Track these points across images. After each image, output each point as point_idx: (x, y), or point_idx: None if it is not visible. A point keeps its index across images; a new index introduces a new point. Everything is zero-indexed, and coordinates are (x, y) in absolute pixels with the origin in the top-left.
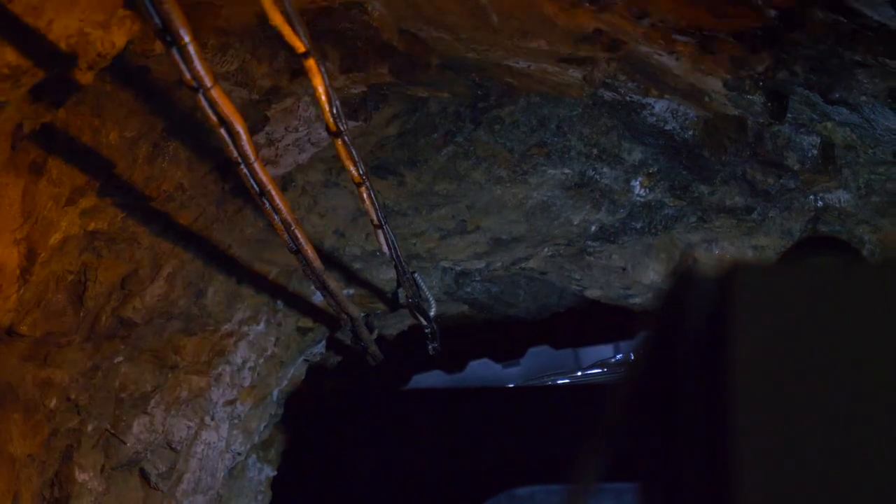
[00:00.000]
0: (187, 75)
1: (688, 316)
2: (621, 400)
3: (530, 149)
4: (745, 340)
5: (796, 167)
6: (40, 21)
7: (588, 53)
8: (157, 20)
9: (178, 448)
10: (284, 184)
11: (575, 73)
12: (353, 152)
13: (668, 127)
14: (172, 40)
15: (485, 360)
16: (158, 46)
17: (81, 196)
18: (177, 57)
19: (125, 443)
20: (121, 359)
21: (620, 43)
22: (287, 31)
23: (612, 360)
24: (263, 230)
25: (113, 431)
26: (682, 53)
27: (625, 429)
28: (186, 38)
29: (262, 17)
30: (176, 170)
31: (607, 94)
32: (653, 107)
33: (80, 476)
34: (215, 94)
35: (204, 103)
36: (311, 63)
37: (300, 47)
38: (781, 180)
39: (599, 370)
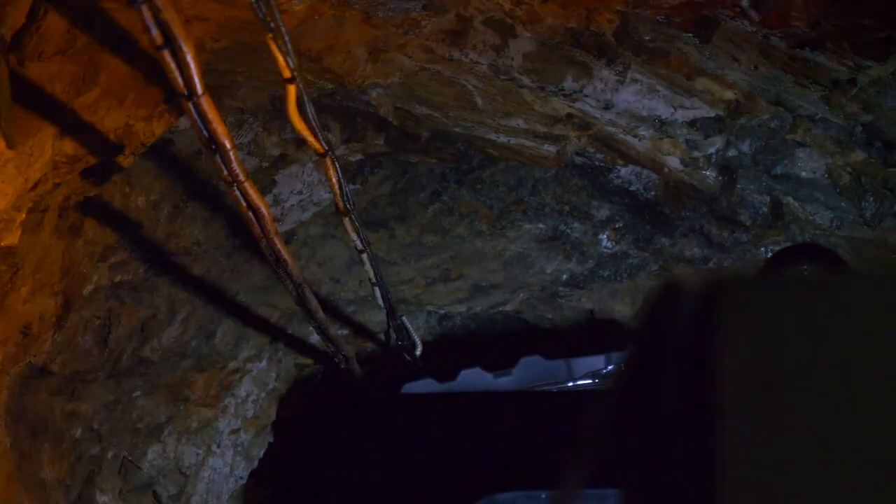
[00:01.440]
0: (225, 173)
1: (673, 327)
2: (606, 409)
3: (508, 206)
4: (730, 351)
5: (748, 223)
6: (95, 117)
7: (561, 133)
8: (205, 133)
9: (188, 473)
10: (288, 237)
11: (549, 148)
12: (359, 226)
13: (632, 188)
14: (217, 149)
15: (476, 370)
16: (183, 123)
17: (112, 254)
18: (219, 161)
19: (141, 468)
20: (139, 393)
21: (590, 124)
22: (310, 139)
23: (604, 370)
24: (268, 278)
25: (130, 458)
26: (643, 137)
27: (610, 437)
28: (228, 146)
29: (274, 98)
30: (193, 227)
31: (578, 159)
32: (619, 171)
33: (101, 498)
34: (247, 186)
35: (237, 194)
36: (327, 161)
37: (320, 149)
38: (735, 234)
39: (591, 381)
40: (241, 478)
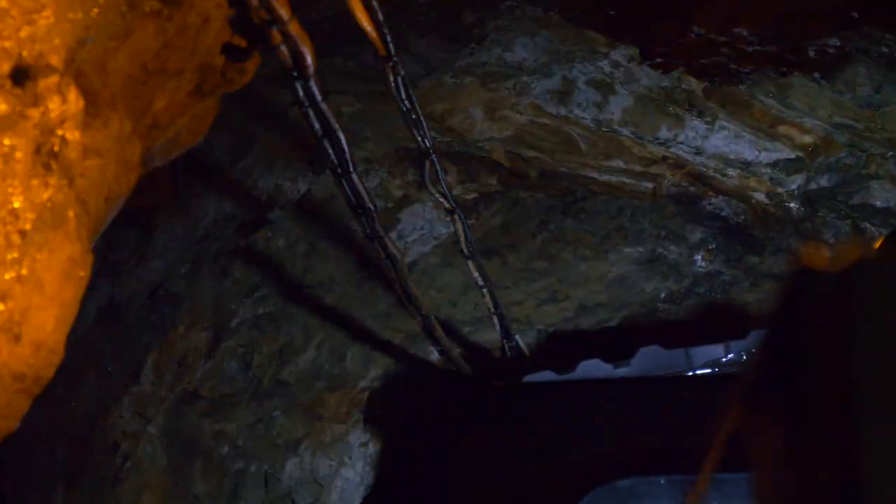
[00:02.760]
0: (367, 230)
1: (808, 312)
2: (740, 395)
3: (609, 232)
4: (868, 334)
5: (832, 241)
6: (250, 180)
7: (658, 171)
8: (352, 199)
9: (323, 483)
10: (410, 267)
11: (646, 184)
12: (482, 267)
13: (723, 213)
14: (362, 212)
15: (595, 361)
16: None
17: (256, 290)
18: (363, 221)
19: (281, 480)
20: (278, 412)
21: (683, 164)
22: (441, 199)
23: (723, 359)
24: (391, 305)
25: (271, 471)
26: (731, 176)
27: (742, 423)
28: (371, 209)
29: (399, 149)
30: (326, 264)
31: (673, 189)
32: (710, 199)
33: None
34: (386, 241)
35: (378, 246)
36: (455, 217)
37: (449, 208)
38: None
39: (710, 370)
40: (371, 486)
